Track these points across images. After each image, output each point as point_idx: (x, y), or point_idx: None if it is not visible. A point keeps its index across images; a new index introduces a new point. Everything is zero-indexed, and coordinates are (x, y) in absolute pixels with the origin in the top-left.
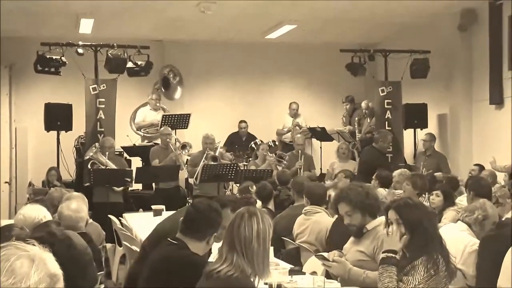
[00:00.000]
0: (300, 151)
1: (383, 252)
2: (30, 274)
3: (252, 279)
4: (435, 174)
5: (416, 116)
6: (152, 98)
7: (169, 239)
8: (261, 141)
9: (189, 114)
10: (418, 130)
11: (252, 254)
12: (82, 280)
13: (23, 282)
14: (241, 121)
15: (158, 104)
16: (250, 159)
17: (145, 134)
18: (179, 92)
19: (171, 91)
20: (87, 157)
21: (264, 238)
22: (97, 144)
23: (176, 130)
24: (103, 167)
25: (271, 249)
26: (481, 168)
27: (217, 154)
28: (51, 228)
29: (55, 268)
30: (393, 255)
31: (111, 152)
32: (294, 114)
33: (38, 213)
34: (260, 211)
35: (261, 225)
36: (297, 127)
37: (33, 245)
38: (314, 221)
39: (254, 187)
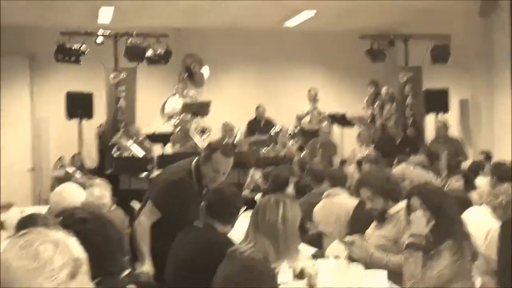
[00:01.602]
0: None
1: (409, 236)
2: (54, 258)
3: (276, 263)
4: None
5: (437, 101)
6: (178, 87)
7: (195, 224)
8: (281, 127)
9: (210, 102)
10: (439, 115)
11: (277, 238)
12: (113, 263)
13: (47, 266)
14: (258, 106)
15: (185, 92)
16: (271, 145)
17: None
18: (205, 79)
19: (197, 79)
20: (112, 142)
21: (292, 222)
22: (122, 129)
23: (197, 117)
24: (127, 153)
25: None
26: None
27: (236, 141)
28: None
29: (78, 252)
30: (419, 240)
31: (136, 139)
32: (313, 99)
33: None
34: (289, 199)
35: (289, 211)
36: (315, 111)
37: (57, 230)
38: (335, 204)
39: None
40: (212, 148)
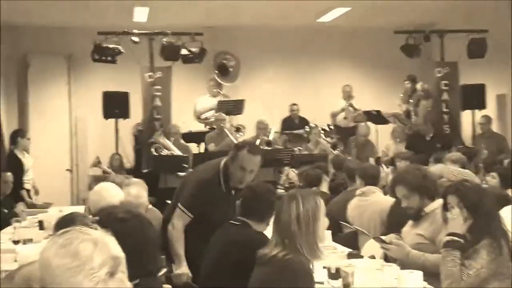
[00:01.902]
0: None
1: (447, 235)
2: (94, 257)
3: (309, 261)
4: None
5: (474, 97)
6: (210, 85)
7: (231, 221)
8: (315, 124)
9: (243, 100)
10: (476, 111)
11: (294, 238)
12: (149, 261)
13: (87, 264)
14: (292, 104)
15: (215, 90)
16: (306, 143)
17: (205, 121)
18: (238, 76)
19: (230, 76)
20: (151, 140)
21: (306, 220)
22: (161, 129)
23: (231, 116)
24: (166, 151)
25: (329, 233)
26: None
27: (271, 139)
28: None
29: (117, 251)
30: (458, 239)
31: (176, 139)
32: (348, 97)
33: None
34: (302, 193)
35: (301, 208)
36: (350, 108)
37: (95, 229)
38: (370, 202)
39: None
40: (238, 146)
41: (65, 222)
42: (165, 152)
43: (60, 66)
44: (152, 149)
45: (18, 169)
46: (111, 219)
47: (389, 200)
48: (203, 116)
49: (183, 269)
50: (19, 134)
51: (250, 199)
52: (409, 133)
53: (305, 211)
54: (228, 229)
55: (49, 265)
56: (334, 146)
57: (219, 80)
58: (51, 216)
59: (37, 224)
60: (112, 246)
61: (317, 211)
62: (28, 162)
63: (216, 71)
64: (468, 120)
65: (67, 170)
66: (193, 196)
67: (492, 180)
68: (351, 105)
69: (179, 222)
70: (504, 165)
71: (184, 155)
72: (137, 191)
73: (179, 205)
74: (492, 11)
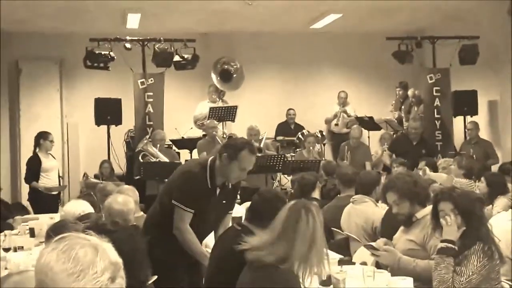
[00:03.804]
0: (354, 144)
1: (441, 241)
2: (96, 262)
3: (299, 272)
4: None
5: (465, 103)
6: (209, 91)
7: (234, 225)
8: (308, 131)
9: (236, 106)
10: (468, 117)
11: (311, 246)
12: (139, 271)
13: (91, 269)
14: (289, 109)
15: (214, 96)
16: (298, 149)
17: (202, 128)
18: (241, 84)
19: (232, 83)
20: (138, 149)
21: (320, 234)
22: (147, 136)
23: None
24: (154, 159)
25: None
26: None
27: (262, 145)
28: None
29: (115, 256)
30: (452, 246)
31: (162, 145)
32: (343, 103)
33: (78, 207)
34: (315, 207)
35: (317, 221)
36: (344, 114)
37: (90, 235)
38: (360, 211)
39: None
40: (238, 146)
41: (57, 229)
42: (153, 160)
43: (52, 72)
44: (140, 157)
45: (37, 169)
46: (98, 230)
47: (378, 212)
48: (199, 122)
49: None
50: (42, 136)
51: (260, 205)
52: (396, 137)
53: (321, 224)
54: (230, 233)
55: (50, 270)
56: (328, 152)
57: (220, 87)
58: (42, 223)
59: (28, 231)
60: (110, 251)
61: (322, 225)
62: (50, 163)
63: (218, 78)
64: (460, 126)
65: (59, 176)
66: (183, 191)
67: (481, 184)
68: (344, 111)
69: (183, 223)
70: (492, 170)
71: (176, 161)
72: (123, 198)
73: (175, 202)
74: (483, 17)
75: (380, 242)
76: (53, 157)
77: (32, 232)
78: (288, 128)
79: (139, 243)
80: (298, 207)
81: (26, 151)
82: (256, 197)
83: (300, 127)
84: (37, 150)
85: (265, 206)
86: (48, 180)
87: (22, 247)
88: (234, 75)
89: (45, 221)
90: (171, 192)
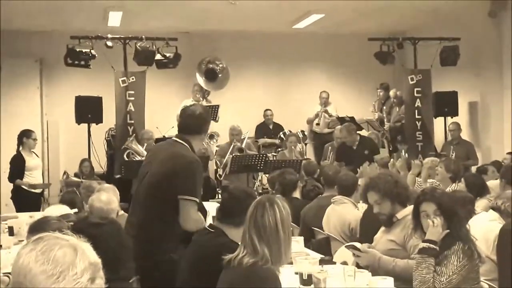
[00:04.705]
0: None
1: (423, 241)
2: (76, 262)
3: (275, 267)
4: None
5: (446, 104)
6: (193, 90)
7: (206, 227)
8: (290, 131)
9: (218, 106)
10: (448, 118)
11: (277, 242)
12: (126, 267)
13: (70, 270)
14: (266, 110)
15: (198, 95)
16: (280, 149)
17: None
18: (226, 83)
19: (217, 82)
20: (124, 146)
21: (287, 225)
22: (133, 135)
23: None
24: (138, 158)
25: (301, 239)
26: None
27: (243, 145)
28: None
29: (94, 256)
30: (434, 246)
31: (149, 144)
32: (325, 103)
33: (59, 212)
34: (279, 199)
35: (284, 212)
36: (325, 114)
37: (69, 235)
38: (339, 212)
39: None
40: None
41: (40, 226)
42: (137, 158)
43: (32, 70)
44: (125, 155)
45: (21, 168)
46: (86, 224)
47: (355, 213)
48: None
49: None
50: (25, 134)
51: (229, 202)
52: (337, 147)
53: (286, 217)
54: (202, 236)
55: (29, 272)
56: (310, 152)
57: (204, 87)
58: (21, 222)
59: (7, 230)
60: (89, 252)
61: (290, 218)
62: (33, 162)
63: (203, 77)
64: (440, 127)
65: (43, 175)
66: (195, 182)
67: (460, 185)
68: (326, 112)
69: (198, 214)
70: (471, 171)
71: None
72: (107, 197)
73: (188, 197)
74: (464, 19)
75: (364, 247)
76: (37, 155)
77: (11, 231)
78: (267, 129)
79: (125, 239)
80: (262, 201)
81: (6, 149)
82: (225, 195)
83: (279, 127)
84: (20, 148)
85: (234, 203)
86: (32, 178)
87: (1, 245)
88: (220, 75)
89: (24, 219)
90: (175, 186)
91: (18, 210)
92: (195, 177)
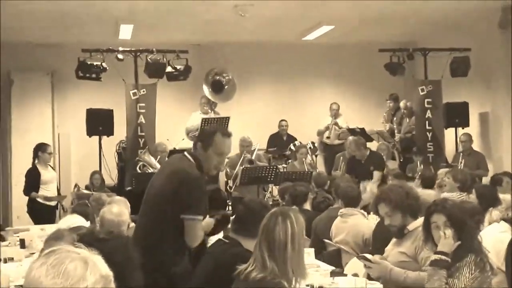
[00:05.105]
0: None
1: (435, 253)
2: (86, 276)
3: (286, 282)
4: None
5: (457, 115)
6: (201, 102)
7: (221, 238)
8: (300, 142)
9: (228, 118)
10: (459, 129)
11: (287, 257)
12: (131, 281)
13: (81, 283)
14: (281, 120)
15: (206, 108)
16: (290, 160)
17: (193, 139)
18: (233, 95)
19: (224, 94)
20: (137, 159)
21: (298, 241)
22: (147, 147)
23: None
24: (151, 170)
25: (312, 251)
26: None
27: (253, 157)
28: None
29: (106, 269)
30: (446, 258)
31: (163, 157)
32: (335, 115)
33: (72, 222)
34: (293, 212)
35: (296, 227)
36: (335, 126)
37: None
38: (351, 224)
39: None
40: (208, 132)
41: (54, 238)
42: (150, 170)
43: (43, 83)
44: (138, 167)
45: (37, 181)
46: (92, 239)
47: (368, 224)
48: (191, 134)
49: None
50: (40, 148)
51: (245, 214)
52: (347, 160)
53: (298, 231)
54: (218, 247)
55: (40, 286)
56: (321, 163)
57: (211, 98)
58: (32, 235)
59: (19, 242)
60: (100, 265)
61: (304, 231)
62: (49, 175)
63: (210, 89)
64: (451, 138)
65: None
66: (199, 199)
67: (471, 197)
68: (336, 124)
69: (202, 232)
70: (482, 182)
71: None
72: (118, 209)
73: (196, 217)
74: (475, 30)
75: (375, 258)
76: (52, 168)
77: (22, 243)
78: (280, 140)
79: (132, 254)
80: (276, 213)
81: (18, 162)
82: (240, 207)
83: (292, 138)
84: (36, 161)
85: (249, 215)
86: (47, 192)
87: (12, 258)
88: (226, 86)
89: (35, 232)
90: (175, 203)
91: (36, 222)
92: (196, 192)
